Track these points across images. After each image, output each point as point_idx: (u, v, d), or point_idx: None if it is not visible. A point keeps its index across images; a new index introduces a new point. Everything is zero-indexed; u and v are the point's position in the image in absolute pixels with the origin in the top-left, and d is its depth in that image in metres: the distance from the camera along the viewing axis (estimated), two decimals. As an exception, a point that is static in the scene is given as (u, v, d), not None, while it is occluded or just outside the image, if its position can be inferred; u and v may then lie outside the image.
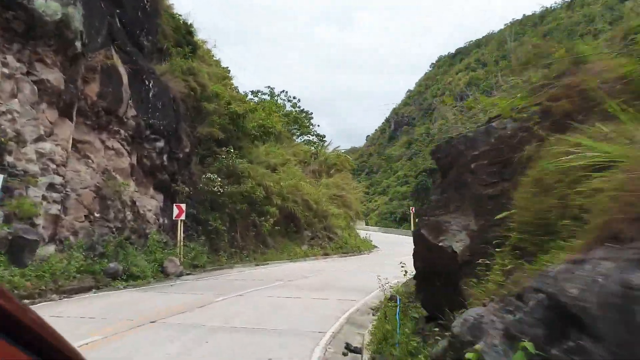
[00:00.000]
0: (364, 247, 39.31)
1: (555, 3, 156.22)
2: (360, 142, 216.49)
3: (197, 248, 25.09)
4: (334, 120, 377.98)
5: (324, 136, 51.48)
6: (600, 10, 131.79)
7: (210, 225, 26.97)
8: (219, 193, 27.23)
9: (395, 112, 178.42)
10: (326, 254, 33.50)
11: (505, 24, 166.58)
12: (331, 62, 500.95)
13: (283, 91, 55.41)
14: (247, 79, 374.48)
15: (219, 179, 27.43)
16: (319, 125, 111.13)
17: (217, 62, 40.01)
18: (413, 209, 60.28)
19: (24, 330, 0.93)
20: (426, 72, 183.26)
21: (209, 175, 27.34)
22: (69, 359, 1.13)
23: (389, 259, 33.16)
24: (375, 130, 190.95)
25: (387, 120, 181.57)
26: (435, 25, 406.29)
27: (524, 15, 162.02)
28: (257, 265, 27.43)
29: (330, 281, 19.70)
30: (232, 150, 28.84)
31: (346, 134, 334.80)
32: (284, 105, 54.75)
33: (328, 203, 37.14)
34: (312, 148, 48.46)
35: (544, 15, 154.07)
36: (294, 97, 48.32)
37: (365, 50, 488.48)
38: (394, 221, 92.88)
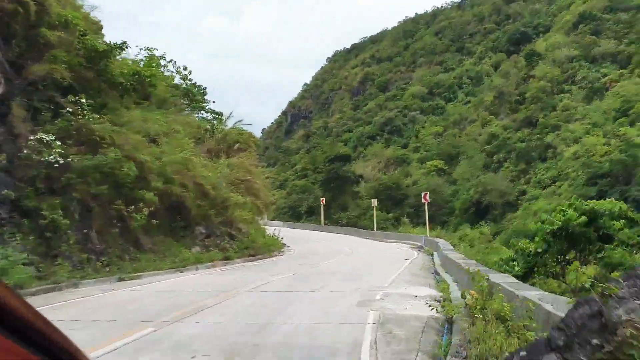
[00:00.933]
0: (274, 246, 29.79)
1: (446, 3, 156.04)
2: (255, 135, 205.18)
3: (12, 255, 14.21)
4: (226, 113, 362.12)
5: (221, 113, 40.56)
6: (489, 11, 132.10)
7: (44, 217, 16.10)
8: (57, 166, 16.39)
9: (292, 105, 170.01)
10: (227, 259, 23.42)
11: (398, 22, 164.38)
12: (223, 54, 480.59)
13: (171, 61, 43.60)
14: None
15: (59, 144, 16.58)
16: (214, 102, 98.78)
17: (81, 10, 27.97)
18: (324, 200, 51.40)
19: (19, 322, 0.86)
20: (323, 66, 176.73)
21: (41, 136, 16.37)
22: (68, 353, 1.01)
23: (312, 262, 23.89)
24: (272, 123, 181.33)
25: (284, 113, 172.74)
26: (330, 21, 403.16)
27: (416, 13, 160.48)
28: (121, 279, 16.93)
29: (251, 324, 9.83)
30: (83, 101, 17.99)
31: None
32: (173, 76, 43.22)
33: (229, 189, 27.10)
34: (208, 126, 37.75)
35: (436, 14, 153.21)
36: (184, 68, 37.01)
37: (258, 43, 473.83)
38: (293, 215, 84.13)
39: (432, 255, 23.24)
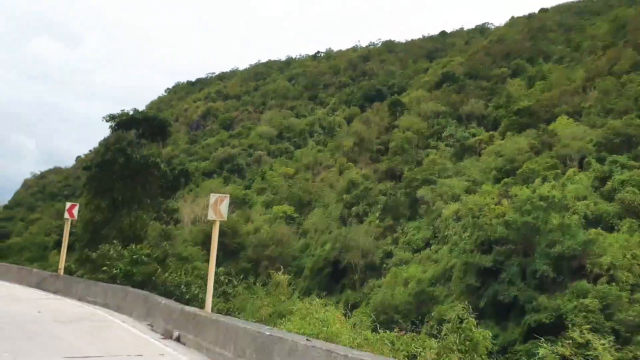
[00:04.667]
0: None
1: (300, 55, 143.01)
2: (69, 164, 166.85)
3: None
4: (43, 142, 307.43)
5: None
6: (344, 66, 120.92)
7: None
8: None
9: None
10: None
11: (250, 65, 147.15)
12: (50, 79, 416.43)
13: None
14: None
15: None
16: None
17: None
18: (74, 211, 18.24)
19: None
20: (160, 96, 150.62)
21: None
22: None
23: None
24: (89, 151, 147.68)
25: (106, 140, 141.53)
26: (172, 56, 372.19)
27: (269, 59, 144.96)
28: None
29: None
30: None
31: (53, 156, 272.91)
32: None
33: None
34: None
35: (290, 62, 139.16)
36: None
37: (91, 72, 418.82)
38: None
39: None
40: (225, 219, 10.44)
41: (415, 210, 58.39)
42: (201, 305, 14.12)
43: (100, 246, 17.68)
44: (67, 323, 11.25)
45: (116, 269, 15.97)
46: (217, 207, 10.18)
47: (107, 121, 24.24)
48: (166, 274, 16.27)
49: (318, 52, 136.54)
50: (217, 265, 44.60)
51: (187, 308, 10.26)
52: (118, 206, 23.17)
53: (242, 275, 31.69)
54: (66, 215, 17.24)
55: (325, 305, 12.71)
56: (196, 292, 15.24)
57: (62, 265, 17.54)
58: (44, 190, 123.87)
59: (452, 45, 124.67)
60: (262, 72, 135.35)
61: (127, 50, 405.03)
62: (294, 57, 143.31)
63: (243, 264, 57.26)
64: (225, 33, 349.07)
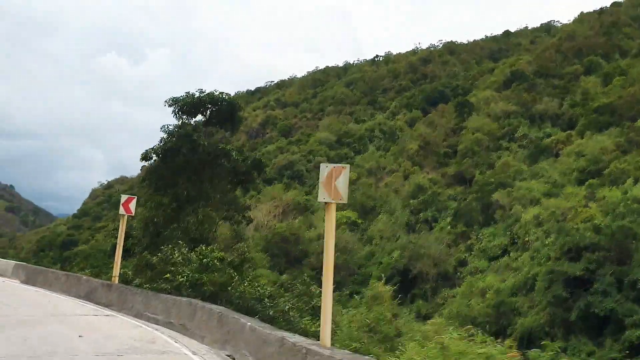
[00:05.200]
0: None
1: (358, 60, 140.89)
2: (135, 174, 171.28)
3: None
4: (110, 154, 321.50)
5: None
6: (404, 69, 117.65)
7: None
8: None
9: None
10: None
11: (308, 72, 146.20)
12: (118, 94, 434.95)
13: None
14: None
15: None
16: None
17: None
18: (131, 205, 14.09)
19: None
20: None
21: None
22: None
23: None
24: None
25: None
26: (234, 67, 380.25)
27: (327, 66, 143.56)
28: None
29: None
30: None
31: (120, 167, 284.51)
32: None
33: None
34: None
35: (347, 67, 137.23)
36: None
37: (156, 86, 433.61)
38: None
39: None
40: (346, 201, 7.13)
41: (490, 215, 54.57)
42: (290, 327, 11.44)
43: (162, 248, 14.58)
44: (114, 358, 7.97)
45: (182, 277, 12.65)
46: (332, 182, 6.81)
47: (169, 105, 21.46)
48: (245, 283, 13.41)
49: (376, 56, 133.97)
50: (280, 272, 42.30)
51: (292, 338, 7.17)
52: (182, 203, 20.19)
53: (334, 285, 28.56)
54: (121, 210, 14.21)
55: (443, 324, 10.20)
56: (285, 308, 12.43)
57: (116, 272, 14.31)
58: (110, 199, 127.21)
59: (517, 44, 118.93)
60: (319, 79, 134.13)
61: (192, 64, 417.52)
62: (351, 62, 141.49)
63: (307, 271, 55.44)
64: (283, 41, 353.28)
